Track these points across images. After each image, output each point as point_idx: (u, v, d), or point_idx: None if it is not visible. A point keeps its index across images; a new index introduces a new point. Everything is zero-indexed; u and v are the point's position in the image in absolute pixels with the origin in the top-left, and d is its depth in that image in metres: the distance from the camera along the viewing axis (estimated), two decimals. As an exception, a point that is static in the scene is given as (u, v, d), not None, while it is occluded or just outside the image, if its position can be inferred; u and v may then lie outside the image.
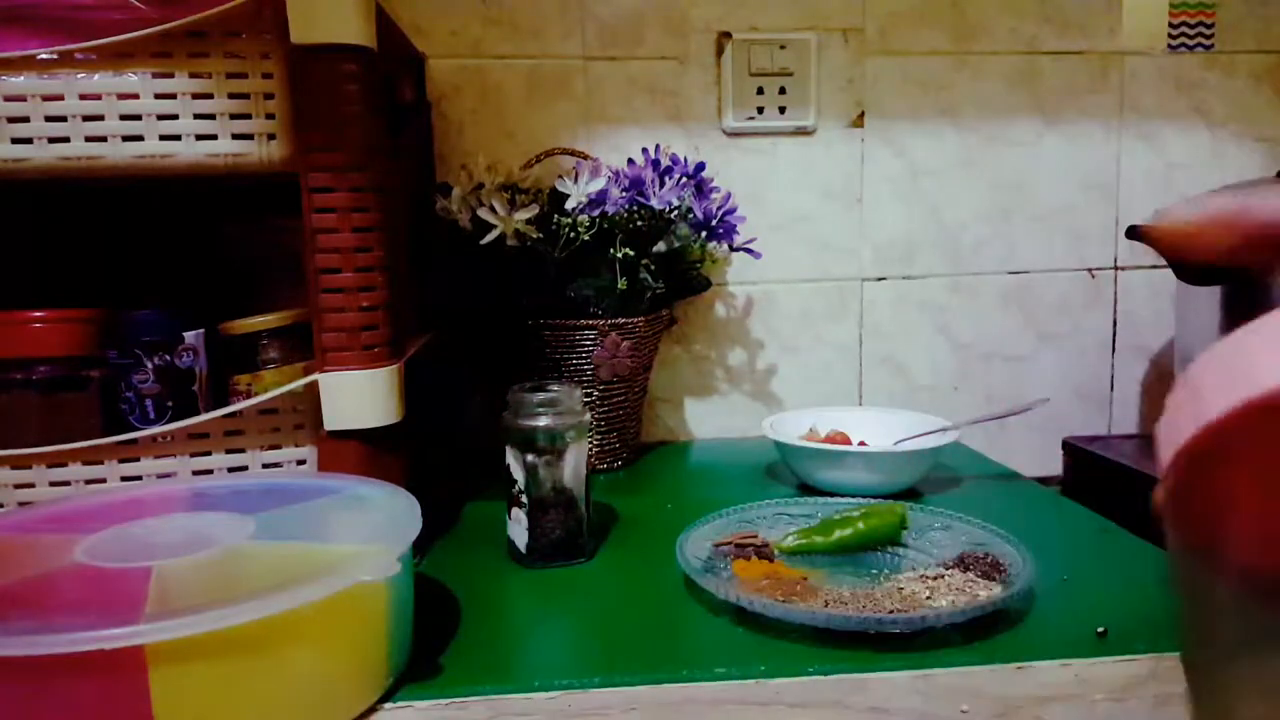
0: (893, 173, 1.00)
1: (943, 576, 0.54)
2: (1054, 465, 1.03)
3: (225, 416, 0.58)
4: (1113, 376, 1.05)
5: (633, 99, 0.95)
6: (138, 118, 0.54)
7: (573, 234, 0.78)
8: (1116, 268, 1.04)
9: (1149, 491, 0.26)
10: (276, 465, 0.59)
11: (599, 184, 0.78)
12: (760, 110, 0.96)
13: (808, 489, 0.77)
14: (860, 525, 0.62)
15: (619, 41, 0.94)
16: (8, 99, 0.53)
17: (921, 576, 0.55)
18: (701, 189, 0.86)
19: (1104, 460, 0.94)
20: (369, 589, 0.41)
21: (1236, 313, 0.57)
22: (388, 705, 0.44)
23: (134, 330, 0.60)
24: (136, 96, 0.54)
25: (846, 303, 1.01)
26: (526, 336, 0.82)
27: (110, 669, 0.35)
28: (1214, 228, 0.39)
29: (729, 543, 0.61)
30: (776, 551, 0.61)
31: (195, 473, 0.58)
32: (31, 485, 0.56)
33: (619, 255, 0.79)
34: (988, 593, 0.52)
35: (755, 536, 0.61)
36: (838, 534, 0.61)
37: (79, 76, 0.54)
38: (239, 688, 0.38)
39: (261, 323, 0.66)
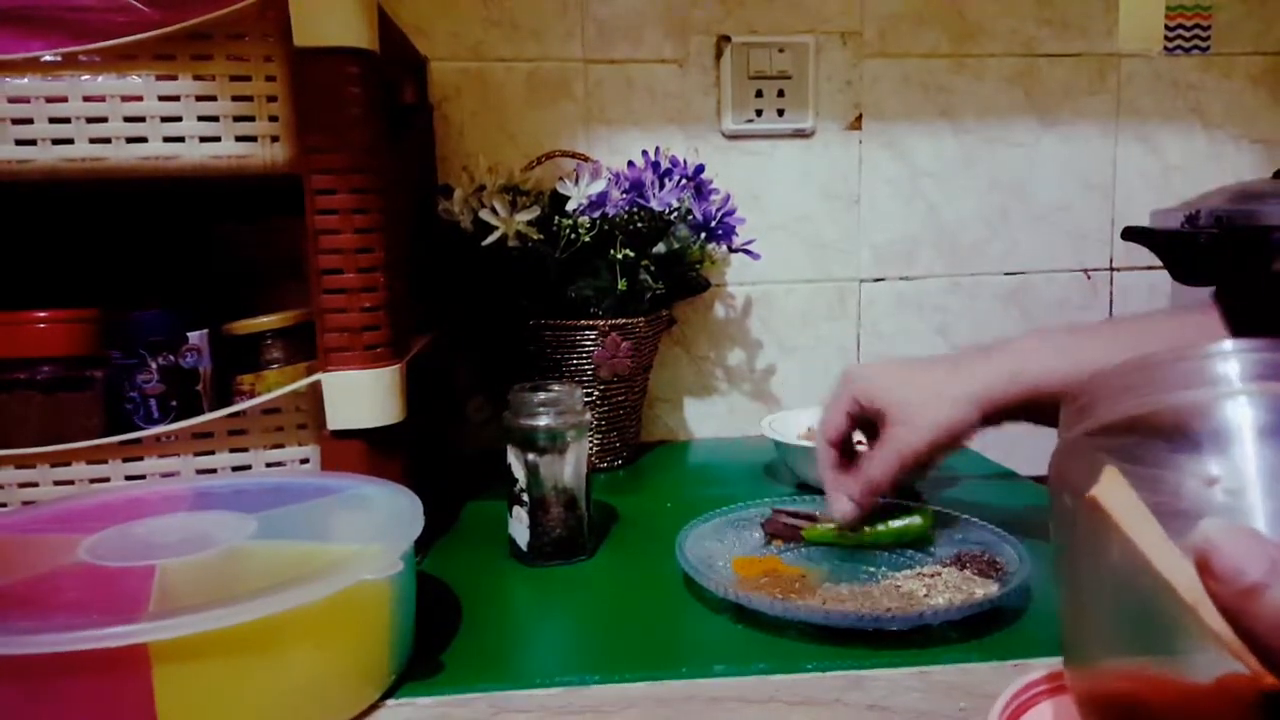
0: (891, 174, 1.00)
1: (940, 574, 0.55)
2: (1052, 465, 1.03)
3: (229, 416, 0.59)
4: (1110, 377, 1.05)
5: (632, 101, 0.96)
6: (141, 119, 0.54)
7: (573, 235, 0.78)
8: (1112, 269, 1.04)
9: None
10: (279, 464, 0.60)
11: (599, 186, 0.78)
12: (759, 113, 0.96)
13: (806, 488, 0.78)
14: (892, 524, 0.61)
15: (619, 44, 0.95)
16: (11, 101, 0.53)
17: (919, 574, 0.55)
18: (701, 190, 0.86)
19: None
20: (372, 587, 0.42)
21: (1231, 310, 0.57)
22: (390, 702, 0.44)
23: (138, 330, 0.61)
24: (140, 98, 0.54)
25: (845, 303, 1.02)
26: (527, 337, 0.82)
27: (114, 668, 0.36)
28: None
29: (784, 511, 0.65)
30: (805, 536, 0.62)
31: (199, 472, 0.58)
32: (35, 485, 0.56)
33: (619, 256, 0.79)
34: (985, 591, 0.52)
35: (805, 513, 0.64)
36: (870, 530, 0.61)
37: (83, 78, 0.54)
38: (242, 686, 0.38)
39: (265, 323, 0.67)
